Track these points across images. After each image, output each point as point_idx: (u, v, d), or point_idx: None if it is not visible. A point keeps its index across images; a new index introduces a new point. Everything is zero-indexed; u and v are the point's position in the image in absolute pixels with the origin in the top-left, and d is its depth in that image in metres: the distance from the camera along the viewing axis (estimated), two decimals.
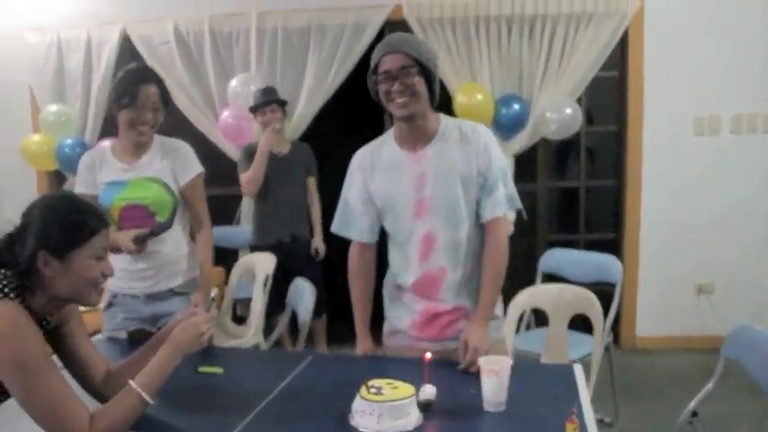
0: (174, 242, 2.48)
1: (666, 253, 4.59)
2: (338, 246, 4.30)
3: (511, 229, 3.97)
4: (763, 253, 4.51)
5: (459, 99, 4.30)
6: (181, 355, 1.63)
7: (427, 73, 1.97)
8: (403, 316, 2.17)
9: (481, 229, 2.10)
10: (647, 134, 4.50)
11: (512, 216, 3.83)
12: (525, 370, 1.96)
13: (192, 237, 2.60)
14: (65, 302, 1.61)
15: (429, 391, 1.74)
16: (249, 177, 3.96)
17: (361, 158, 2.17)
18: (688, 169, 4.49)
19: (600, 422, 3.40)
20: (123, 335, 2.45)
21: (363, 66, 4.53)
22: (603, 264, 3.51)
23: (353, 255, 2.23)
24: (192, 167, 2.53)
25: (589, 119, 4.69)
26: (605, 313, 2.83)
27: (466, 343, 1.98)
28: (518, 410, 1.71)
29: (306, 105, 4.62)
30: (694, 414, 2.22)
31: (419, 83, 1.96)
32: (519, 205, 2.12)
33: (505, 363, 1.73)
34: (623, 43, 4.47)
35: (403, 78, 1.94)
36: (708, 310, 4.58)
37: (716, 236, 4.53)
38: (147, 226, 2.36)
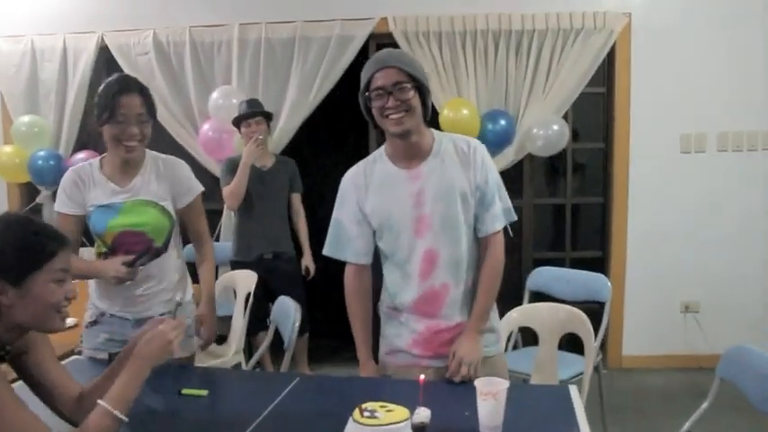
0: (171, 268, 2.36)
1: (653, 271, 4.56)
2: (319, 263, 4.29)
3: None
4: (749, 271, 4.50)
5: (445, 114, 4.25)
6: (149, 368, 1.55)
7: (420, 88, 1.94)
8: (402, 334, 2.10)
9: (478, 242, 2.08)
10: (633, 151, 4.49)
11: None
12: (519, 391, 1.90)
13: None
14: (26, 330, 1.50)
15: (423, 413, 1.66)
16: (231, 190, 3.89)
17: (353, 178, 2.11)
18: (675, 187, 4.49)
19: None
20: (104, 355, 2.29)
21: (347, 80, 4.54)
22: (592, 282, 3.47)
23: (350, 277, 2.16)
24: (192, 189, 2.39)
25: (576, 135, 4.67)
26: (594, 332, 2.77)
27: (454, 354, 1.98)
28: None
29: (288, 119, 4.54)
30: None
31: (413, 98, 1.92)
32: (514, 217, 2.12)
33: (502, 385, 1.67)
34: (610, 59, 4.47)
35: (397, 94, 1.90)
36: (694, 328, 4.56)
37: (702, 254, 4.51)
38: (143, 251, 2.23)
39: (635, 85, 4.44)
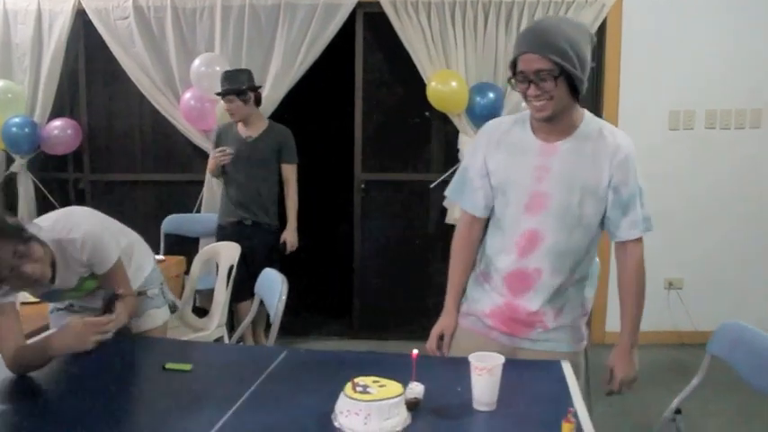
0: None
1: None
2: (305, 236, 4.23)
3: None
4: (732, 248, 4.53)
5: (433, 86, 4.17)
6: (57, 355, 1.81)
7: (568, 72, 1.79)
8: (483, 300, 2.05)
9: (595, 242, 2.02)
10: (622, 126, 4.42)
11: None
12: (511, 366, 1.84)
13: None
14: None
15: (416, 389, 1.62)
16: (208, 169, 4.10)
17: (490, 130, 2.03)
18: (662, 164, 4.47)
19: None
20: None
21: (333, 49, 4.45)
22: None
23: (462, 226, 2.10)
24: (105, 261, 2.12)
25: None
26: None
27: (612, 370, 2.03)
28: (510, 409, 1.62)
29: (273, 88, 4.43)
30: (678, 411, 2.17)
31: (557, 86, 1.79)
32: (652, 228, 2.02)
33: (497, 360, 1.63)
34: (601, 33, 4.41)
35: (539, 82, 1.79)
36: (677, 304, 4.57)
37: (686, 231, 4.52)
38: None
39: (625, 61, 4.41)
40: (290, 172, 4.08)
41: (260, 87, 4.06)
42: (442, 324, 2.09)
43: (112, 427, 1.56)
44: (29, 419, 1.62)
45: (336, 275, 5.22)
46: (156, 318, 2.43)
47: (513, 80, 1.85)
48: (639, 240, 1.99)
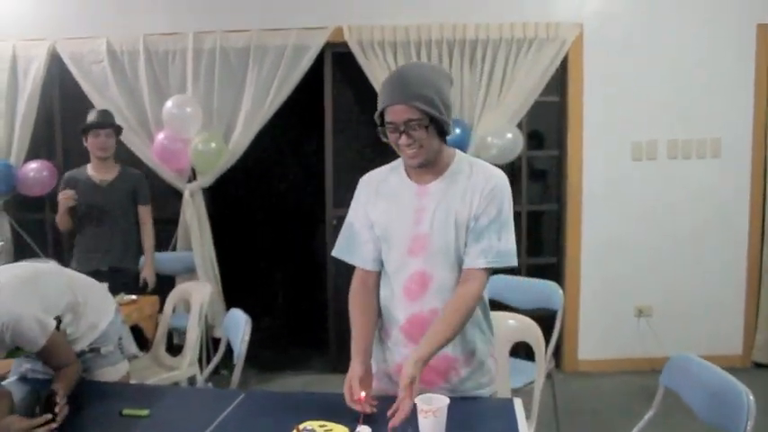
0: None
1: (607, 276, 4.64)
2: (282, 271, 4.29)
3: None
4: (699, 276, 4.61)
5: None
6: None
7: (438, 118, 1.83)
8: (388, 358, 2.04)
9: None
10: (587, 159, 4.56)
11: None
12: (464, 405, 1.90)
13: None
14: None
15: (364, 431, 1.66)
16: (57, 221, 3.89)
17: (367, 182, 2.07)
18: (627, 194, 4.57)
19: None
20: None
21: (303, 87, 4.53)
22: (545, 291, 3.50)
23: (356, 282, 2.07)
24: (33, 343, 2.03)
25: (531, 143, 4.72)
26: (547, 339, 2.80)
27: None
28: None
29: (244, 127, 4.51)
30: None
31: (428, 134, 1.82)
32: (512, 263, 1.93)
33: (442, 402, 1.67)
34: (564, 68, 4.53)
35: (410, 131, 1.82)
36: (647, 332, 4.64)
37: (654, 259, 4.61)
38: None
39: (587, 94, 4.52)
40: (146, 213, 4.03)
41: (121, 130, 4.04)
42: (348, 377, 1.91)
43: None
44: None
45: (315, 310, 5.27)
46: (111, 374, 2.37)
47: (382, 130, 1.87)
48: (484, 273, 1.91)
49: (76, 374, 2.11)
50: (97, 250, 3.87)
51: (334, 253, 2.10)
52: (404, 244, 1.95)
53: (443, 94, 1.84)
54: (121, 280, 3.79)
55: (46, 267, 2.38)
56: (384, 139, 1.89)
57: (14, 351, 2.05)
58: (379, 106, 1.86)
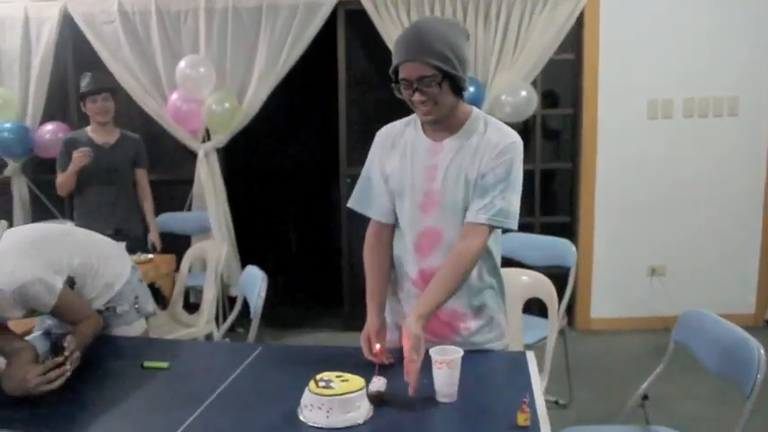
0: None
1: (620, 235, 4.64)
2: (297, 230, 4.32)
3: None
4: (713, 235, 4.60)
5: None
6: None
7: (452, 74, 1.81)
8: (400, 311, 2.06)
9: (493, 238, 1.98)
10: (601, 117, 4.53)
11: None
12: (478, 358, 1.93)
13: None
14: None
15: (379, 382, 1.69)
16: (61, 183, 3.84)
17: (382, 137, 2.06)
18: (642, 152, 4.54)
19: (555, 404, 3.44)
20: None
21: (316, 46, 4.50)
22: (558, 248, 3.52)
23: (370, 234, 2.08)
24: (43, 306, 2.08)
25: (545, 101, 4.68)
26: (560, 297, 2.82)
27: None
28: (470, 400, 1.68)
29: (256, 89, 4.51)
30: (645, 397, 2.25)
31: (442, 91, 1.81)
32: (510, 224, 1.90)
33: (456, 353, 1.70)
34: (579, 26, 4.47)
35: (423, 88, 1.81)
36: (660, 291, 4.65)
37: (668, 218, 4.60)
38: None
39: (603, 52, 4.46)
40: (143, 177, 4.04)
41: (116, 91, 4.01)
42: (365, 330, 1.99)
43: (88, 423, 1.65)
44: (7, 415, 1.70)
45: (329, 268, 5.32)
46: (127, 333, 2.38)
47: (397, 86, 1.86)
48: (484, 229, 1.88)
49: (93, 328, 2.14)
50: (101, 212, 3.86)
51: (350, 204, 2.11)
52: (416, 199, 1.96)
53: (459, 50, 1.81)
54: (127, 242, 3.84)
55: (55, 229, 2.39)
56: (399, 96, 1.88)
57: (32, 311, 2.09)
58: (394, 62, 1.84)
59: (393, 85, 1.87)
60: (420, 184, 1.95)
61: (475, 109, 1.98)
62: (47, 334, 2.31)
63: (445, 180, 1.92)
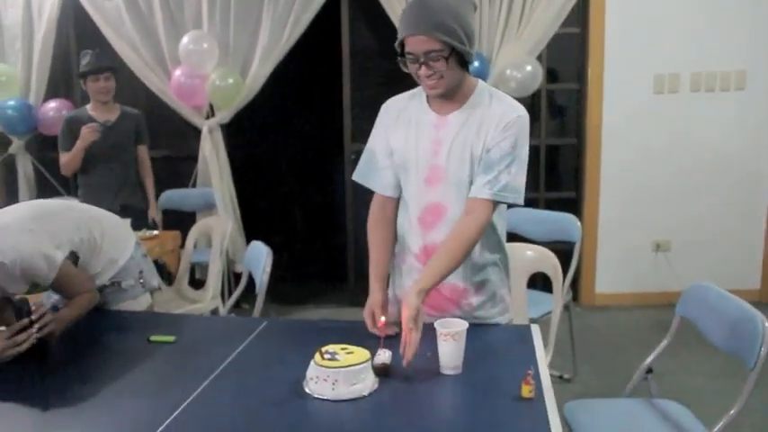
0: None
1: (625, 211, 4.63)
2: (301, 206, 4.32)
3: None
4: (718, 211, 4.58)
5: None
6: None
7: (458, 49, 1.78)
8: (404, 285, 2.06)
9: (498, 214, 1.97)
10: (607, 92, 4.49)
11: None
12: (483, 331, 1.94)
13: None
14: None
15: (384, 355, 1.70)
16: (66, 162, 3.84)
17: (389, 108, 2.05)
18: (648, 127, 4.51)
19: (559, 378, 3.46)
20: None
21: (320, 24, 4.47)
22: (563, 223, 3.52)
23: (374, 207, 2.08)
24: (44, 279, 2.09)
25: (550, 76, 4.65)
26: (564, 272, 2.82)
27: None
28: (475, 373, 1.69)
29: (260, 65, 4.48)
30: (649, 371, 2.26)
31: (448, 65, 1.78)
32: (516, 199, 1.88)
33: (461, 326, 1.71)
34: None
35: (430, 62, 1.78)
36: (665, 266, 4.65)
37: (674, 194, 4.58)
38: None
39: (609, 26, 4.41)
40: (145, 153, 4.07)
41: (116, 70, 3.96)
42: (368, 304, 1.98)
43: (96, 396, 1.66)
44: (13, 389, 1.72)
45: (334, 244, 5.34)
46: (133, 307, 2.40)
47: (402, 60, 1.83)
48: (488, 204, 1.86)
49: (88, 302, 2.16)
50: (108, 189, 3.87)
51: (354, 177, 2.10)
52: (421, 173, 1.95)
53: (465, 23, 1.78)
54: (132, 218, 3.84)
55: (57, 204, 2.40)
56: (404, 69, 1.86)
57: (35, 286, 2.11)
58: (399, 35, 1.81)
59: (399, 58, 1.85)
60: (425, 158, 1.93)
61: (480, 82, 1.96)
62: (54, 309, 2.32)
63: (450, 155, 1.90)
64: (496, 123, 1.86)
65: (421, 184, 1.95)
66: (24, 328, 1.86)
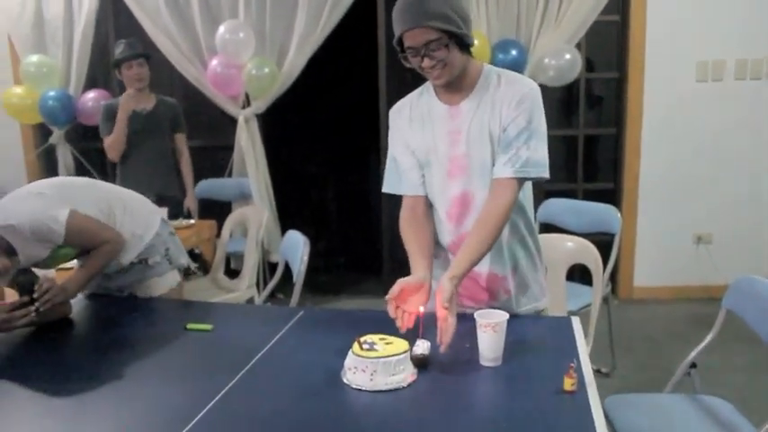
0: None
1: (665, 202, 4.53)
2: (336, 198, 4.32)
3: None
4: (762, 203, 4.46)
5: None
6: None
7: (457, 33, 1.77)
8: (436, 277, 2.00)
9: (524, 194, 1.96)
10: (648, 81, 4.39)
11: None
12: (524, 323, 1.91)
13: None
14: None
15: (423, 345, 1.68)
16: (110, 144, 3.85)
17: (399, 111, 2.03)
18: (689, 117, 4.41)
19: (597, 372, 3.41)
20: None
21: (356, 12, 4.45)
22: (602, 214, 3.46)
23: (405, 211, 2.03)
24: (57, 236, 2.10)
25: (589, 65, 4.56)
26: (604, 264, 2.77)
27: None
28: (515, 365, 1.67)
29: (296, 54, 4.47)
30: (693, 365, 2.21)
31: (450, 52, 1.77)
32: (542, 173, 1.86)
33: (502, 317, 1.68)
34: None
35: (430, 53, 1.77)
36: (706, 259, 4.55)
37: (716, 185, 4.47)
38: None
39: (651, 12, 4.31)
40: (182, 142, 4.08)
41: (150, 57, 3.98)
42: (398, 282, 1.83)
43: (133, 383, 1.67)
44: (52, 376, 1.73)
45: (369, 234, 5.33)
46: (161, 284, 2.41)
47: (403, 56, 1.81)
48: (513, 183, 1.84)
49: (105, 257, 2.20)
50: (143, 179, 3.86)
51: (385, 189, 2.08)
52: (443, 167, 1.94)
53: (458, 6, 1.77)
54: (169, 208, 3.82)
55: (81, 180, 2.41)
56: (407, 65, 1.84)
57: (58, 249, 2.12)
58: (396, 33, 1.80)
59: (400, 54, 1.83)
60: (444, 150, 1.92)
61: (486, 64, 1.94)
62: (92, 296, 2.36)
63: (469, 141, 1.89)
64: (509, 101, 1.84)
65: (444, 177, 1.94)
66: (24, 305, 1.90)
